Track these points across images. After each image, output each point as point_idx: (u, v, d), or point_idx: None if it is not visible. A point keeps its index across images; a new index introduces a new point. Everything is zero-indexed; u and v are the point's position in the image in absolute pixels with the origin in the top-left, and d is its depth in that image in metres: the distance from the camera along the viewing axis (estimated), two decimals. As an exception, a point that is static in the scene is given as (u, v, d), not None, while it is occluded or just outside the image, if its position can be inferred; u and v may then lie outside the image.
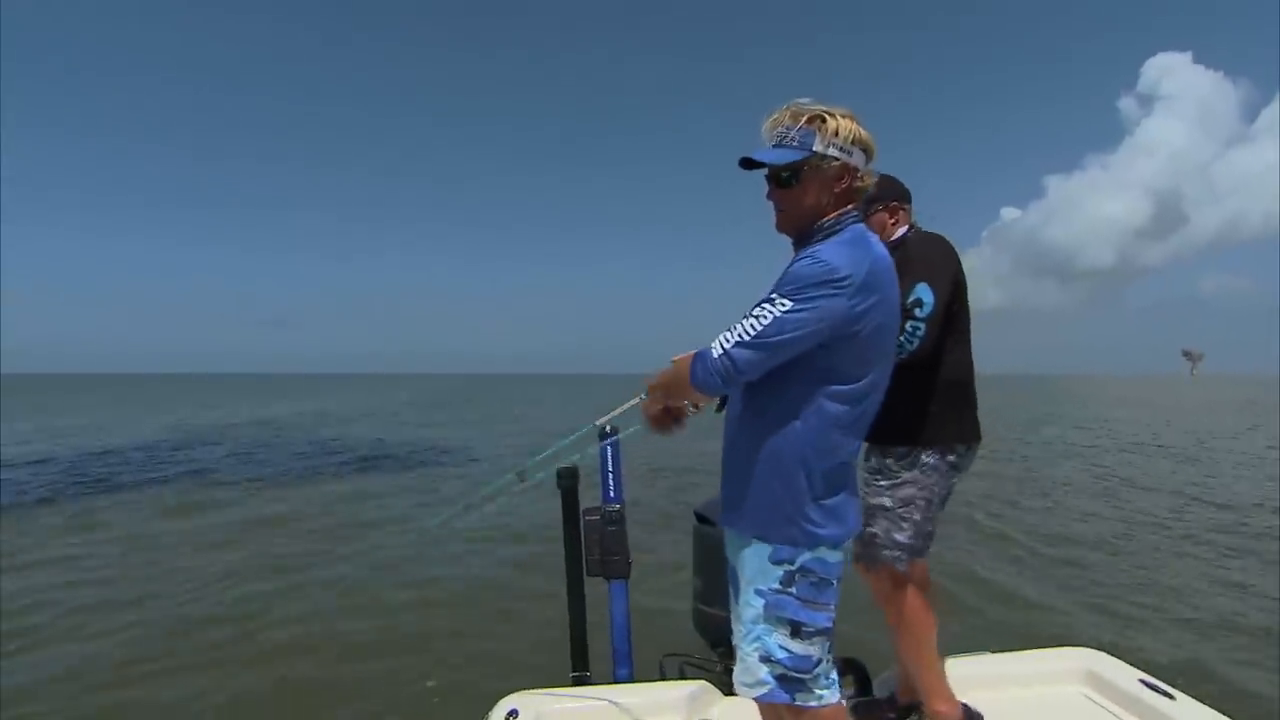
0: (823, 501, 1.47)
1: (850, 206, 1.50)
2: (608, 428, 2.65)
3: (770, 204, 1.54)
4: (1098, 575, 5.86)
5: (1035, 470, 11.99)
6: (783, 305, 1.37)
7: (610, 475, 2.63)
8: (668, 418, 1.62)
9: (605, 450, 2.61)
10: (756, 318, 1.39)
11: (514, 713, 2.17)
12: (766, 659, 1.49)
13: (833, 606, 1.52)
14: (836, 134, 1.45)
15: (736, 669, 1.56)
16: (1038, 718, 2.20)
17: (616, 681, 2.64)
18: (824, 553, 1.48)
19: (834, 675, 1.56)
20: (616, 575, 2.62)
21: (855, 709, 2.25)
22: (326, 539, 7.88)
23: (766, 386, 1.47)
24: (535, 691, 2.32)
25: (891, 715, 2.11)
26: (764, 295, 1.41)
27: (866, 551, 2.10)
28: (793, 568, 1.47)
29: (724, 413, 1.63)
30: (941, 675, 2.09)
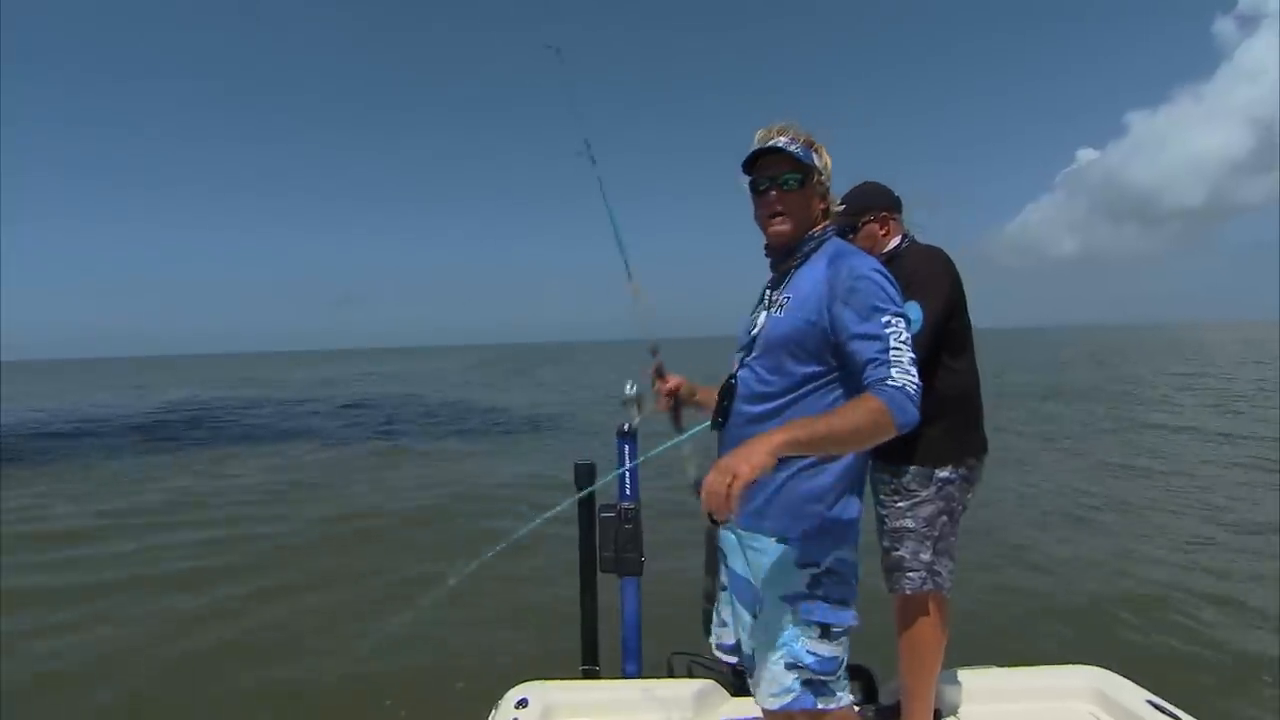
0: (848, 502, 1.53)
1: (827, 224, 1.61)
2: (626, 427, 2.69)
3: (762, 215, 1.61)
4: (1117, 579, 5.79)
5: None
6: (900, 319, 1.44)
7: (627, 474, 2.67)
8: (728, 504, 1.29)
9: (623, 448, 2.65)
10: (899, 332, 1.43)
11: (524, 701, 2.21)
12: (794, 665, 1.50)
13: (853, 602, 1.56)
14: (825, 161, 1.58)
15: (760, 680, 1.55)
16: None
17: (625, 676, 2.69)
18: (847, 551, 1.54)
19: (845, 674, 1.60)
20: (629, 572, 2.66)
21: (861, 716, 2.26)
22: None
23: (804, 384, 1.51)
24: (546, 682, 2.37)
25: None
26: (863, 312, 1.44)
27: (893, 575, 2.08)
28: (818, 570, 1.51)
29: (727, 423, 1.63)
30: (929, 709, 2.09)
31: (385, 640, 4.57)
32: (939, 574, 2.04)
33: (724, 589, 1.70)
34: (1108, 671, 2.46)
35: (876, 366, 1.40)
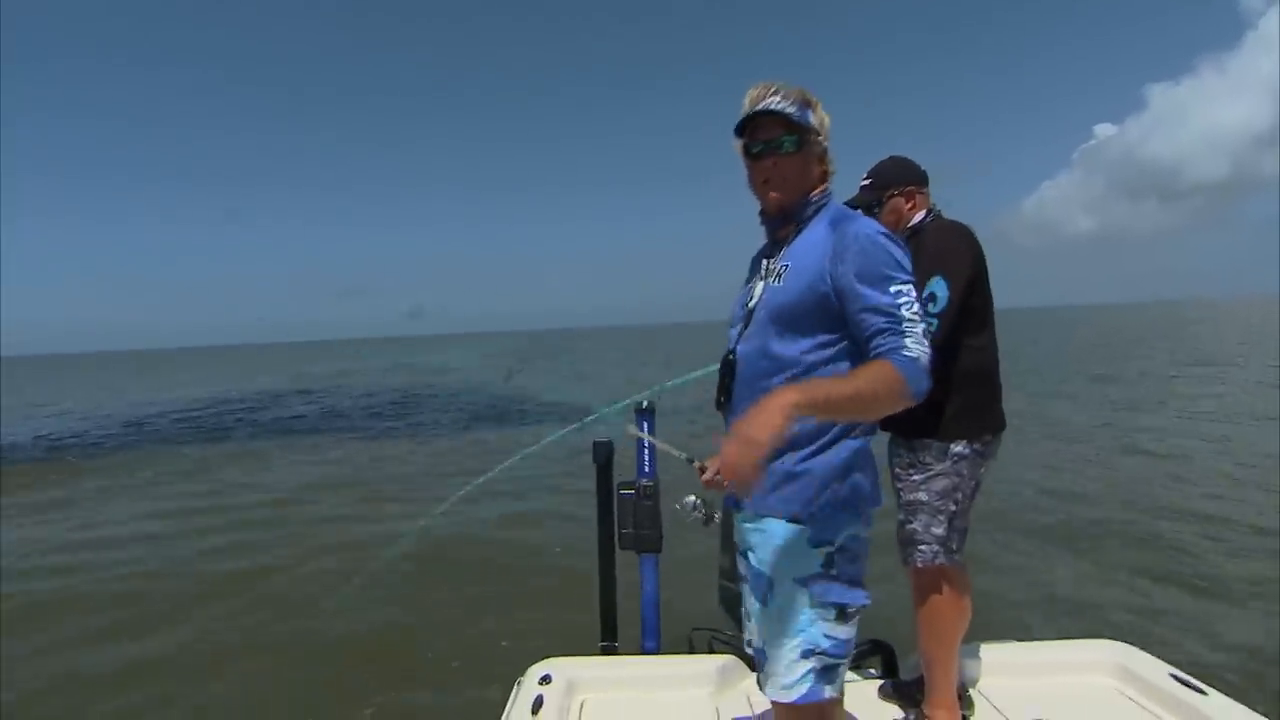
0: (860, 478, 1.47)
1: (826, 187, 1.55)
2: (644, 403, 2.69)
3: (757, 181, 1.53)
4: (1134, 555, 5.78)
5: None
6: (910, 287, 1.39)
7: (646, 451, 2.66)
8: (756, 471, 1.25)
9: (642, 425, 2.65)
10: (911, 299, 1.38)
11: (547, 677, 2.23)
12: (811, 652, 1.44)
13: (864, 582, 1.51)
14: (823, 120, 1.51)
15: (772, 671, 1.48)
16: (1065, 708, 2.21)
17: (644, 653, 2.70)
18: (860, 528, 1.49)
19: None
20: (648, 549, 2.67)
21: (883, 690, 2.28)
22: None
23: (816, 360, 1.45)
24: (567, 659, 2.38)
25: (920, 697, 2.13)
26: (872, 280, 1.37)
27: (906, 548, 2.09)
28: (833, 548, 1.45)
29: (731, 401, 1.56)
30: (952, 681, 2.09)
31: (396, 622, 4.68)
32: (952, 548, 2.05)
33: (744, 581, 1.63)
34: (1129, 646, 2.45)
35: (889, 336, 1.35)
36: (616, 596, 2.78)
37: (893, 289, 1.37)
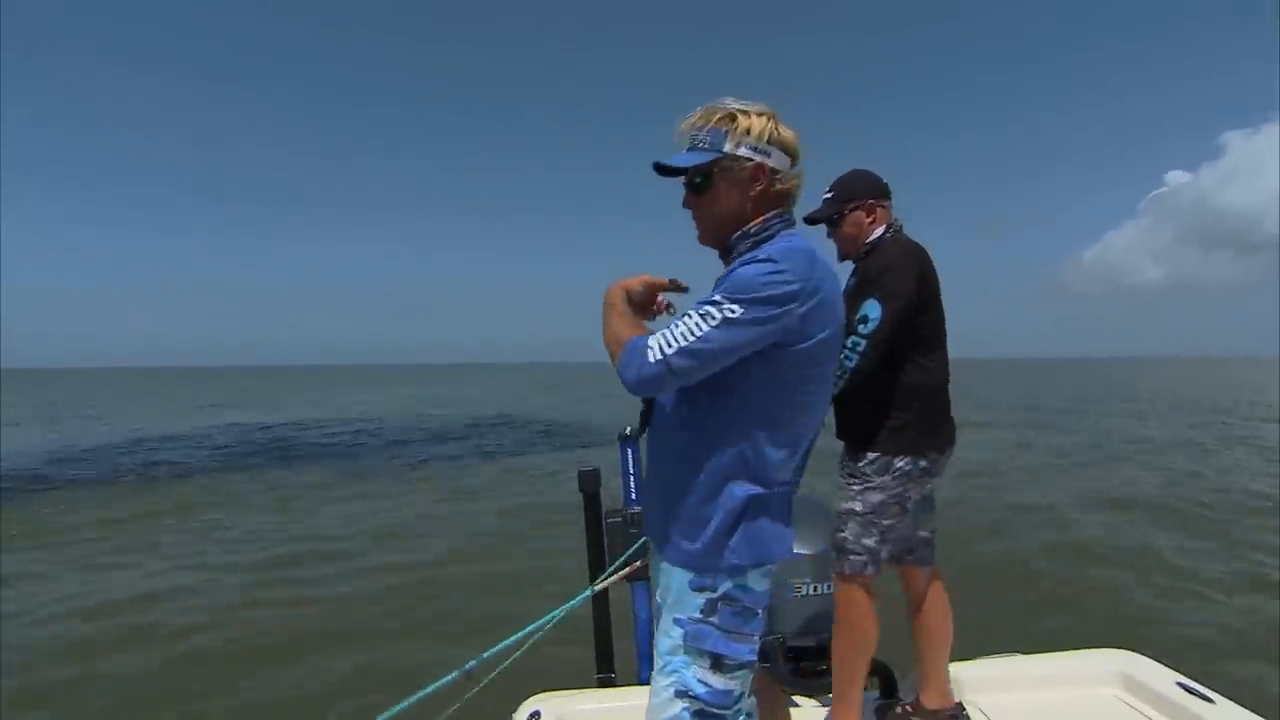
0: (754, 525, 1.37)
1: (777, 211, 1.42)
2: (628, 430, 2.68)
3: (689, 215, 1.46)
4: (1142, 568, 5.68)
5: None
6: (730, 311, 1.26)
7: (631, 478, 2.65)
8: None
9: (626, 453, 2.63)
10: (703, 317, 1.27)
11: (536, 714, 2.19)
12: (683, 694, 1.37)
13: (757, 638, 1.41)
14: (748, 133, 1.37)
15: (651, 703, 1.43)
16: None
17: (642, 682, 2.66)
18: (751, 579, 1.38)
19: (755, 712, 1.47)
20: (638, 577, 2.64)
21: (880, 710, 2.23)
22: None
23: (707, 403, 1.36)
24: (559, 693, 2.34)
25: (916, 718, 2.09)
26: (706, 297, 1.30)
27: (838, 554, 2.11)
28: (714, 595, 1.37)
29: (646, 432, 1.52)
30: (859, 683, 2.08)
31: (386, 653, 4.61)
32: (883, 558, 2.08)
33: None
34: (1134, 654, 2.40)
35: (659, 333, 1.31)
36: (611, 626, 2.74)
37: (704, 307, 1.28)
